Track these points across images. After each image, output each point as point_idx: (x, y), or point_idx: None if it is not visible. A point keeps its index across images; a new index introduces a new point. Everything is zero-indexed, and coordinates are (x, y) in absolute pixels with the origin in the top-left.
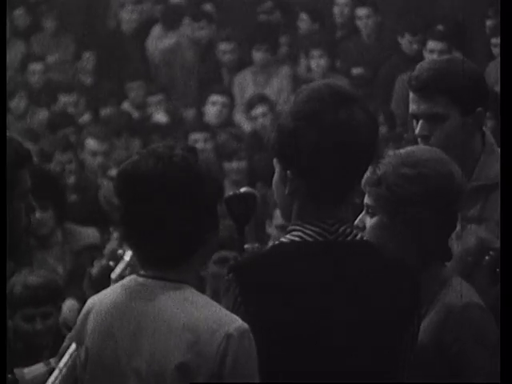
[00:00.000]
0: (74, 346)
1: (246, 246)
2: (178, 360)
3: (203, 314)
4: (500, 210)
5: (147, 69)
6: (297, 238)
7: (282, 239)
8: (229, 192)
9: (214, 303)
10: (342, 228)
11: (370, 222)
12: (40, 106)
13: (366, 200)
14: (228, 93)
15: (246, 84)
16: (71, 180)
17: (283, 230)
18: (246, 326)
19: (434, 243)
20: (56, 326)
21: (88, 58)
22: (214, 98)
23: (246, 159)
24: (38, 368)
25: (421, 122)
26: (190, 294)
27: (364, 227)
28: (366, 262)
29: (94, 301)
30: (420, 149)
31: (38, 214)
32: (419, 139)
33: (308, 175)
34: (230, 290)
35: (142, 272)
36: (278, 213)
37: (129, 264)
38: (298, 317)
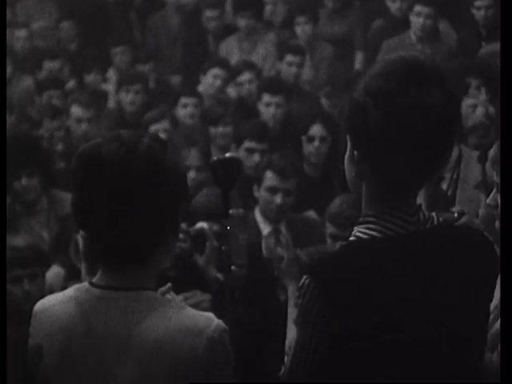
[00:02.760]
0: None
1: (230, 212)
2: (157, 379)
3: (176, 324)
4: (500, 210)
5: (132, 35)
6: (376, 233)
7: (359, 234)
8: (214, 157)
9: (182, 307)
10: (422, 216)
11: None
12: (25, 73)
13: (495, 178)
14: (227, 66)
15: (231, 51)
16: (59, 147)
17: (272, 191)
18: (221, 323)
19: None
20: (42, 290)
21: (69, 25)
22: (215, 71)
23: (232, 124)
24: None
25: None
26: (155, 302)
27: (496, 205)
28: (447, 247)
29: (42, 314)
30: None
31: (24, 181)
32: None
33: (373, 159)
34: (306, 293)
35: (95, 280)
36: (268, 174)
37: None
38: (385, 318)
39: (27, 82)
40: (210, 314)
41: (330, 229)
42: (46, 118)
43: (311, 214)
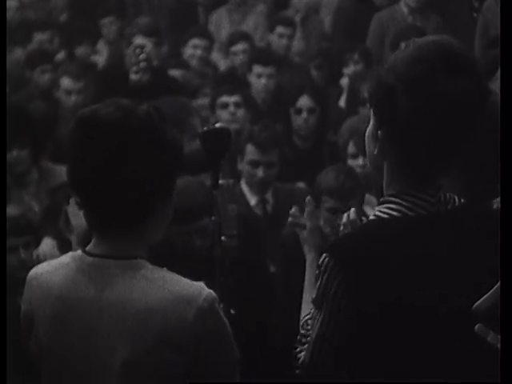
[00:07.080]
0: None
1: (220, 182)
2: (147, 347)
3: (166, 292)
4: (500, 211)
5: (122, 6)
6: (396, 213)
7: (379, 213)
8: (204, 127)
9: (173, 276)
10: (443, 197)
11: None
12: (15, 44)
13: None
14: (208, 35)
15: (221, 22)
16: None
17: (254, 165)
18: (212, 293)
19: None
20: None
21: None
22: (195, 41)
23: (210, 96)
24: None
25: None
26: (146, 271)
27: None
28: (467, 229)
29: (35, 281)
30: None
31: (14, 152)
32: None
33: (396, 140)
34: (325, 271)
35: (89, 248)
36: (249, 148)
37: None
38: (405, 296)
39: (18, 53)
40: (201, 284)
41: (329, 203)
42: (35, 99)
43: (301, 185)
